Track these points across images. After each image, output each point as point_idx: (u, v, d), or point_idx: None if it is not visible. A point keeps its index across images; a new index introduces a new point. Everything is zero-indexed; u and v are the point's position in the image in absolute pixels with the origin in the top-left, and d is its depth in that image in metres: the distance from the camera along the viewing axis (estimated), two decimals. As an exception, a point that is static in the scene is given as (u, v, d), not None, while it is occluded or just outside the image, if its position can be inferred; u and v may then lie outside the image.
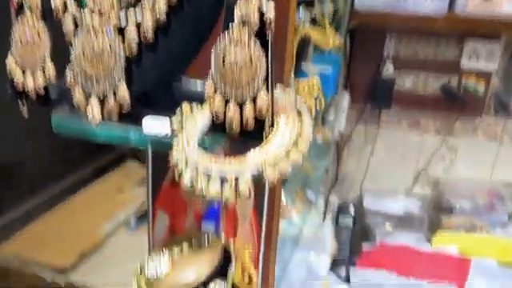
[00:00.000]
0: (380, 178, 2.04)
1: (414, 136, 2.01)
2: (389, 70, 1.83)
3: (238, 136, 0.52)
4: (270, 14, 0.48)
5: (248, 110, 0.50)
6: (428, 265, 1.61)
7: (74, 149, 1.76)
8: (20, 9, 0.62)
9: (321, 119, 1.86)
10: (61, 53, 0.61)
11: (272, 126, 0.50)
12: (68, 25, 0.56)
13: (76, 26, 0.57)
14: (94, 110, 0.55)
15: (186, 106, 0.53)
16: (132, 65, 0.55)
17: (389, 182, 2.03)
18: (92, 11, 0.55)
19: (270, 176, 0.46)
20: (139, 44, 0.55)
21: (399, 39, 1.82)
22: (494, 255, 1.69)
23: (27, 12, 0.60)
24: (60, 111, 0.60)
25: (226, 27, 0.49)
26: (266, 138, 0.50)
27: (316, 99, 1.42)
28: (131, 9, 0.54)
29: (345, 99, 1.84)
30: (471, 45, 1.71)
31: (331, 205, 1.90)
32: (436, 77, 1.84)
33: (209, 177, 0.47)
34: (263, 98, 0.49)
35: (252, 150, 0.48)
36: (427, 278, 1.55)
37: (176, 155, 0.49)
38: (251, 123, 0.50)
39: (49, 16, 0.60)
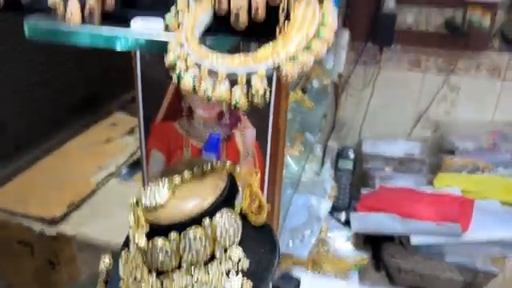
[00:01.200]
0: (380, 122, 1.97)
1: (415, 76, 1.92)
2: (390, 4, 1.72)
3: (247, 34, 0.44)
4: None
5: (258, -5, 0.41)
6: (431, 206, 1.57)
7: (59, 107, 1.67)
8: None
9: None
10: None
11: (288, 19, 0.42)
12: None
13: None
14: (72, 9, 0.46)
15: (182, 1, 0.44)
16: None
17: (389, 125, 1.96)
18: None
19: (290, 71, 0.38)
20: None
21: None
22: (497, 195, 1.65)
23: None
24: (32, 16, 0.50)
25: None
26: (281, 32, 0.42)
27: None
28: None
29: (344, 37, 1.74)
30: (478, -26, 1.61)
31: (330, 150, 1.84)
32: (439, 11, 1.74)
33: (215, 75, 0.38)
34: (277, -20, 0.40)
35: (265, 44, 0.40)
36: (431, 219, 1.52)
37: (173, 53, 0.41)
38: (262, 13, 0.42)
39: None
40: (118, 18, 0.47)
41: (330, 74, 1.83)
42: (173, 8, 0.45)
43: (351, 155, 1.77)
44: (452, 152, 1.81)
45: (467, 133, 1.85)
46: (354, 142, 2.04)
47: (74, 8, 0.47)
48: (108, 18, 0.48)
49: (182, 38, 0.42)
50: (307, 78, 1.61)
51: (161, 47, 0.44)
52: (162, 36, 0.45)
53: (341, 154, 1.78)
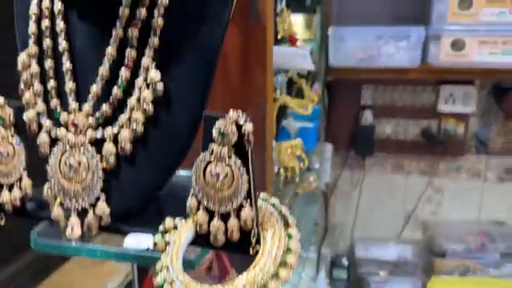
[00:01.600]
0: (369, 224, 2.03)
1: (399, 179, 2.01)
2: (367, 118, 1.85)
3: (224, 249, 0.51)
4: (248, 127, 0.48)
5: (232, 223, 0.49)
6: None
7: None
8: (-8, 122, 0.60)
9: (306, 170, 1.85)
10: (37, 164, 0.60)
11: (258, 242, 0.49)
12: (42, 140, 0.55)
13: (51, 139, 0.56)
14: (73, 227, 0.54)
15: (169, 220, 0.52)
16: (111, 178, 0.54)
17: (378, 227, 2.02)
18: (66, 126, 0.54)
19: (262, 298, 0.45)
20: (117, 156, 0.53)
21: (375, 88, 1.85)
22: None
23: (0, 126, 0.59)
24: (38, 226, 0.58)
25: (205, 145, 0.48)
26: (253, 250, 0.49)
27: (299, 159, 1.42)
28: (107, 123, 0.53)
29: (327, 149, 1.85)
30: (447, 90, 1.75)
31: (324, 257, 1.87)
32: (415, 122, 1.87)
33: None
34: (247, 212, 0.48)
35: (240, 275, 0.47)
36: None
37: (160, 275, 0.48)
38: (236, 236, 0.49)
39: (22, 129, 0.58)
40: (112, 230, 0.55)
41: (317, 182, 1.91)
42: (160, 227, 0.52)
43: (345, 263, 1.80)
44: (443, 254, 1.85)
45: (455, 234, 1.91)
46: (347, 245, 2.08)
47: (74, 224, 0.54)
48: (102, 230, 0.55)
49: (167, 261, 0.48)
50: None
51: (153, 262, 0.50)
52: (153, 253, 0.51)
53: (334, 263, 1.82)
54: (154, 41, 0.50)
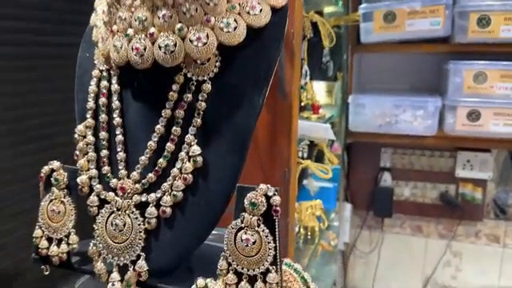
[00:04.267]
0: (388, 286, 2.02)
1: (419, 240, 2.02)
2: (386, 180, 1.89)
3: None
4: (276, 200, 0.54)
5: (259, 286, 0.54)
6: None
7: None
8: (48, 182, 0.68)
9: (325, 230, 1.88)
10: (84, 223, 0.67)
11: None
12: (92, 202, 0.62)
13: (100, 201, 0.63)
14: (114, 282, 0.59)
15: (201, 281, 0.57)
16: (151, 238, 0.60)
17: (398, 289, 2.01)
18: (115, 190, 0.62)
19: None
20: (158, 219, 0.60)
21: (394, 152, 1.91)
22: None
23: (54, 185, 0.67)
24: (81, 279, 0.64)
25: (237, 213, 0.54)
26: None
27: (319, 219, 1.46)
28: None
29: (347, 210, 1.89)
30: (464, 156, 1.80)
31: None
32: (434, 186, 1.90)
33: None
34: (272, 276, 0.54)
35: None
36: None
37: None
38: None
39: (74, 190, 0.66)
40: (149, 287, 0.60)
41: (336, 240, 1.93)
42: (193, 286, 0.58)
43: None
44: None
45: (475, 300, 1.88)
46: (365, 308, 2.06)
47: (115, 279, 0.60)
48: (141, 285, 0.61)
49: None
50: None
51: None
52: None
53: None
54: (197, 121, 0.58)
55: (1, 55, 0.96)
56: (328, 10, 1.50)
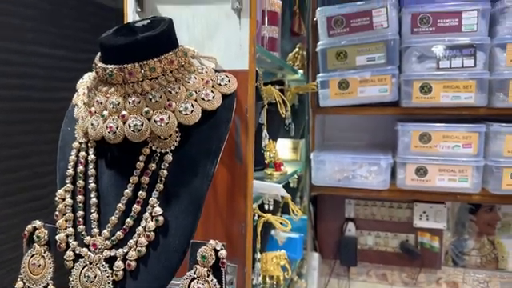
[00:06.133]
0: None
1: (384, 289, 2.11)
2: (351, 229, 2.01)
3: None
4: (223, 253, 0.65)
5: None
6: None
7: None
8: (30, 239, 0.78)
9: (291, 280, 1.97)
10: (61, 274, 0.76)
11: None
12: (69, 257, 0.72)
13: (75, 256, 0.73)
14: (86, 328, 0.69)
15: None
16: (118, 288, 0.70)
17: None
18: (88, 246, 0.72)
19: None
20: (124, 271, 0.70)
21: (357, 202, 2.03)
22: None
23: (36, 242, 0.76)
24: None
25: (191, 265, 0.65)
26: None
27: (284, 268, 1.56)
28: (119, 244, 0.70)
29: (314, 259, 1.98)
30: (420, 207, 1.93)
31: None
32: (394, 235, 2.02)
33: None
34: (220, 319, 0.64)
35: None
36: None
37: None
38: None
39: (53, 246, 0.76)
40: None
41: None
42: (154, 328, 0.67)
43: None
44: None
45: None
46: None
47: (87, 325, 0.69)
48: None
49: None
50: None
51: None
52: None
53: None
54: (160, 186, 0.70)
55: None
56: (291, 77, 1.67)
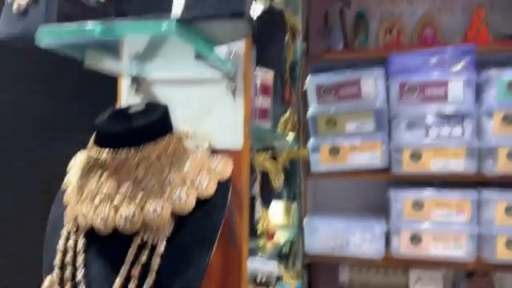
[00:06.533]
0: None
1: None
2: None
3: None
4: None
5: None
6: None
7: None
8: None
9: None
10: None
11: None
12: None
13: None
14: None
15: None
16: None
17: None
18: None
19: None
20: None
21: (351, 268, 1.99)
22: None
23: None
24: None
25: None
26: None
27: None
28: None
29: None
30: (415, 273, 1.89)
31: None
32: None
33: None
34: None
35: None
36: None
37: None
38: None
39: None
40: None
41: None
42: None
43: None
44: None
45: None
46: None
47: None
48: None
49: None
50: None
51: None
52: None
53: None
54: (150, 281, 0.67)
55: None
56: (282, 142, 1.67)
